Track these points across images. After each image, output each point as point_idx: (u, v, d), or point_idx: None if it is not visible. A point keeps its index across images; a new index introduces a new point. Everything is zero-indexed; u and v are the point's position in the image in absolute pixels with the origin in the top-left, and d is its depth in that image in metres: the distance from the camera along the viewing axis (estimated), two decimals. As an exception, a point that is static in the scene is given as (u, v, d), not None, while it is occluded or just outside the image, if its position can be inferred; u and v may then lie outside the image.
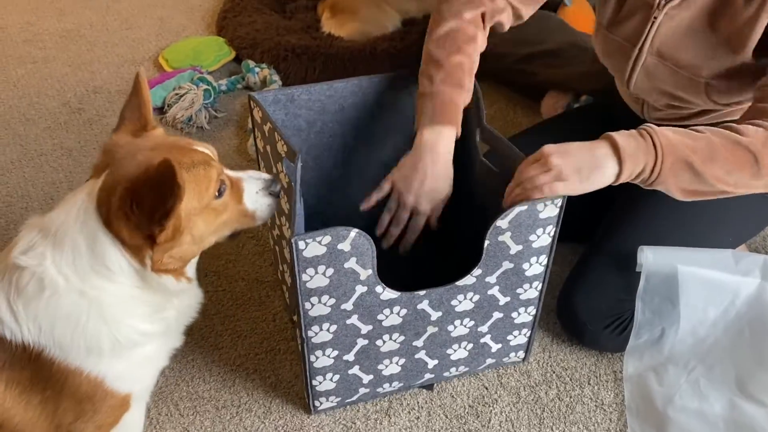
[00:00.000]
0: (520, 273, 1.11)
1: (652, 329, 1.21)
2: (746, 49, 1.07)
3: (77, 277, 0.85)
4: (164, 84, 1.92)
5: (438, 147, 1.11)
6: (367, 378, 1.18)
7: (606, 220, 1.32)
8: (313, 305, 1.03)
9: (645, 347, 1.22)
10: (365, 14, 2.15)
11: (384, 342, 1.13)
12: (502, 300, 1.14)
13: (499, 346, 1.22)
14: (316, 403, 1.19)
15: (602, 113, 1.47)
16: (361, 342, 1.11)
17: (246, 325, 1.36)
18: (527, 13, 1.25)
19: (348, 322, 1.08)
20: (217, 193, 0.89)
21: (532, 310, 1.18)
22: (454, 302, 1.11)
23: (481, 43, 1.19)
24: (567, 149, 0.99)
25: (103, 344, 0.87)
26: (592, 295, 1.23)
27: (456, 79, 1.13)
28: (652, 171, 0.99)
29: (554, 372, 1.28)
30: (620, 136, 0.99)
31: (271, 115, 1.17)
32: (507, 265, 1.08)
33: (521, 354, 1.26)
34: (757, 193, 1.26)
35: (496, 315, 1.16)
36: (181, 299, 0.97)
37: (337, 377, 1.15)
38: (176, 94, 1.88)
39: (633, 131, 1.00)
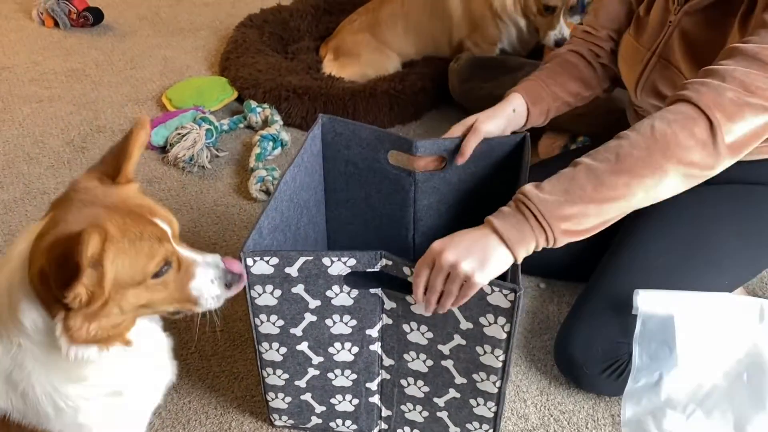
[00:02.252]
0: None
1: (650, 373, 1.20)
2: None
3: (7, 336, 0.81)
4: (167, 123, 1.95)
5: None
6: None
7: (602, 262, 1.33)
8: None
9: (643, 391, 1.22)
10: (367, 58, 2.20)
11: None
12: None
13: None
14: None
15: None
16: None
17: (243, 366, 1.35)
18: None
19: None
20: (156, 273, 0.83)
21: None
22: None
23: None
24: (456, 244, 0.94)
25: (47, 410, 0.84)
26: (589, 339, 1.23)
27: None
28: (547, 241, 0.96)
29: (551, 415, 1.27)
30: (499, 221, 0.96)
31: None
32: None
33: None
34: (753, 236, 1.28)
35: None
36: (130, 354, 0.89)
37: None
38: (178, 134, 1.90)
39: (511, 208, 0.97)
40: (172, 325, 1.41)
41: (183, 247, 0.88)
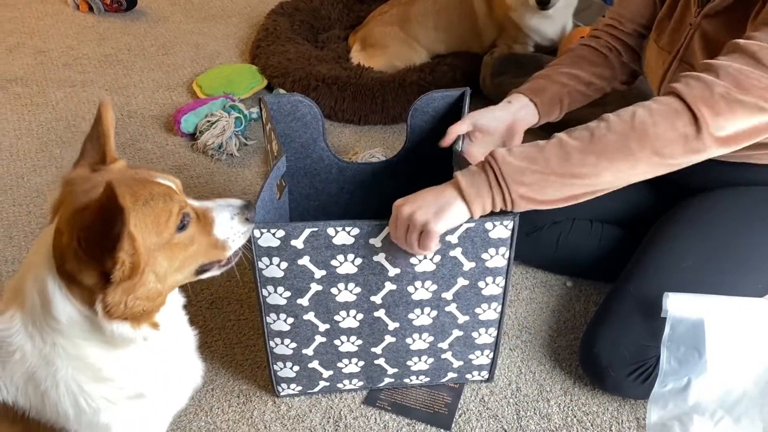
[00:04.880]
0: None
1: (678, 378, 1.18)
2: None
3: (39, 336, 0.82)
4: (197, 111, 1.95)
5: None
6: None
7: (630, 262, 1.30)
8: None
9: (670, 396, 1.19)
10: (394, 50, 2.18)
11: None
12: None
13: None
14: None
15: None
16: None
17: (266, 356, 1.36)
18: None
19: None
20: (180, 227, 0.85)
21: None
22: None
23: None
24: (415, 198, 1.01)
25: (68, 411, 0.84)
26: (615, 341, 1.21)
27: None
28: (504, 202, 1.00)
29: (575, 416, 1.25)
30: (464, 177, 1.00)
31: (273, 117, 1.26)
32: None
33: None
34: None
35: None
36: (158, 352, 0.89)
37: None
38: (208, 121, 1.91)
39: (478, 167, 1.01)
40: (198, 311, 1.43)
41: (192, 200, 0.90)
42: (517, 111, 1.27)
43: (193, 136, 1.94)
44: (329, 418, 1.25)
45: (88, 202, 0.78)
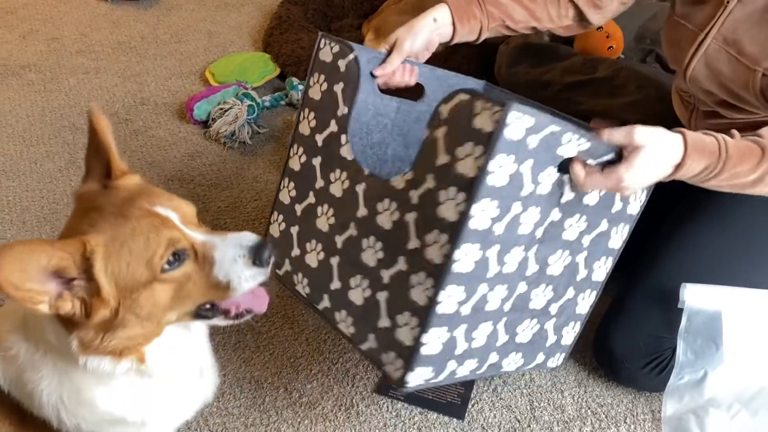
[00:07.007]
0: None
1: (694, 370, 1.17)
2: None
3: (34, 341, 0.81)
4: (209, 98, 1.95)
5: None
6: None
7: (647, 251, 1.29)
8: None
9: (686, 388, 1.18)
10: (409, 38, 2.16)
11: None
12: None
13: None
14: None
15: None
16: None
17: (278, 343, 1.36)
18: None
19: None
20: (167, 265, 0.76)
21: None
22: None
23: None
24: (644, 171, 0.95)
25: (50, 416, 0.82)
26: (631, 332, 1.20)
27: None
28: (703, 182, 1.01)
29: (589, 408, 1.24)
30: (695, 151, 0.97)
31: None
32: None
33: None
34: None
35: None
36: (156, 379, 0.84)
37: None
38: (221, 109, 1.90)
39: (714, 145, 0.98)
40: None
41: (202, 232, 0.81)
42: (439, 28, 1.23)
43: (205, 124, 1.94)
44: (341, 405, 1.24)
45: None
